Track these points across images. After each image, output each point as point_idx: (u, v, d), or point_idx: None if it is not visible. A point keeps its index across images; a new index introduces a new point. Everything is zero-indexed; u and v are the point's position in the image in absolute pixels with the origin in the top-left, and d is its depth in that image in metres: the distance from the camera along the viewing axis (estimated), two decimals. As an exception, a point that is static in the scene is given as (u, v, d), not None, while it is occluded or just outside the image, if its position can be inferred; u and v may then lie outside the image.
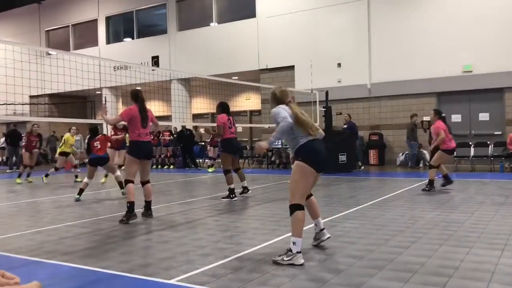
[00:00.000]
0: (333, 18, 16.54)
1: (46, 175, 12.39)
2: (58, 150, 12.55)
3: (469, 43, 14.30)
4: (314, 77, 15.12)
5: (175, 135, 18.07)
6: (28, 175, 12.90)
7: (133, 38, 21.96)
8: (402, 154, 15.40)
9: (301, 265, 3.97)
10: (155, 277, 3.81)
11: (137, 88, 6.98)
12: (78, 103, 23.89)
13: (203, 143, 18.52)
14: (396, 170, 14.18)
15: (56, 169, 12.59)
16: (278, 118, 4.20)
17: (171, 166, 17.92)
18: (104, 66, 17.11)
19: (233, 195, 8.25)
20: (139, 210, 6.62)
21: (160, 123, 19.28)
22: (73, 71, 9.68)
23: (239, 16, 18.89)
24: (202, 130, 8.04)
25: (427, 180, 8.71)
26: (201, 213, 7.13)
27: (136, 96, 6.47)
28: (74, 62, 9.37)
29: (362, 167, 14.80)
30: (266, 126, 17.13)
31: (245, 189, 8.67)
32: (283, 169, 15.87)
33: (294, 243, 4.05)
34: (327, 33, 16.63)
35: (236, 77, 17.94)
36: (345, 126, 14.73)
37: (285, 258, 4.02)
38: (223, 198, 8.31)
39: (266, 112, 17.99)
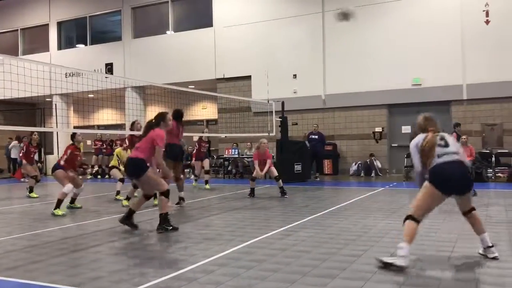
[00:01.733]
0: (290, 30, 16.80)
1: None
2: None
3: (418, 57, 14.90)
4: (270, 88, 15.28)
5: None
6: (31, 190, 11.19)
7: (86, 45, 21.41)
8: (355, 164, 15.78)
9: (399, 268, 3.98)
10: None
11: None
12: (26, 110, 22.95)
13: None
14: (349, 180, 14.49)
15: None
16: (412, 150, 4.51)
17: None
18: (55, 72, 16.58)
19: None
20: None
21: (113, 132, 18.81)
22: (21, 77, 9.29)
23: (196, 24, 18.83)
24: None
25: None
26: (155, 224, 6.98)
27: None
28: (23, 68, 9.00)
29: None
30: (223, 135, 17.12)
31: (181, 200, 8.75)
32: (239, 178, 15.86)
33: (401, 247, 4.08)
34: (283, 44, 16.86)
35: (193, 86, 17.82)
36: (316, 136, 15.00)
37: (391, 259, 4.12)
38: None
39: (222, 122, 17.98)
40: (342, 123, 16.24)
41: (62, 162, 8.31)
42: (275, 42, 17.01)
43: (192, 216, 7.59)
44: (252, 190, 9.97)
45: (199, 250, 5.02)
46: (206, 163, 12.66)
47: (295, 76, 16.69)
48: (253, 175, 10.08)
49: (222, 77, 18.05)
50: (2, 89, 8.68)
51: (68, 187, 8.01)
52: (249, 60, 17.37)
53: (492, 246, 4.37)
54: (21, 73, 9.09)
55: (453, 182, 4.21)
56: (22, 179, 12.31)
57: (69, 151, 8.42)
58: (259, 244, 5.25)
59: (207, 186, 12.25)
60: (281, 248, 4.89)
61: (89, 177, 18.05)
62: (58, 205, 7.86)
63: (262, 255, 4.68)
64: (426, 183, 4.27)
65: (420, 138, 4.49)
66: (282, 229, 6.08)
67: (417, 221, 4.22)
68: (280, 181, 9.80)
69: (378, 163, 15.41)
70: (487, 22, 14.30)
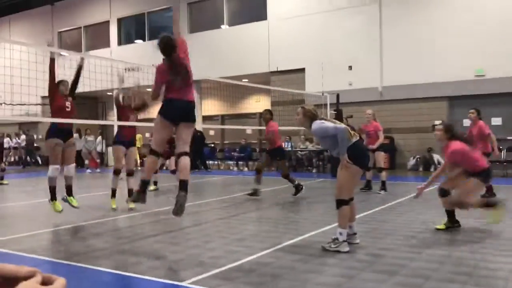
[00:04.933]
0: (344, 21, 16.49)
1: None
2: None
3: (481, 47, 14.17)
4: (325, 80, 15.09)
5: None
6: None
7: (144, 40, 22.08)
8: (413, 158, 15.30)
9: (346, 252, 4.45)
10: (166, 279, 3.82)
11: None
12: (89, 104, 24.05)
13: (213, 145, 18.55)
14: (407, 174, 14.09)
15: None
16: (330, 130, 4.60)
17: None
18: (115, 67, 17.22)
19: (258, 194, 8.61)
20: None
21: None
22: (85, 72, 9.73)
23: (250, 18, 18.90)
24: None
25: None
26: (211, 215, 7.13)
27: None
28: (86, 63, 9.43)
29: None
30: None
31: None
32: (293, 171, 15.82)
33: (340, 233, 4.57)
34: (338, 36, 16.58)
35: (247, 80, 17.94)
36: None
37: (332, 246, 4.55)
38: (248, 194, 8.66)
39: (275, 115, 17.93)
40: (400, 115, 15.77)
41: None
42: (330, 33, 16.76)
43: (248, 209, 7.68)
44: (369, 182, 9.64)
45: (255, 242, 5.07)
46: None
47: (350, 67, 16.38)
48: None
49: (276, 70, 18.03)
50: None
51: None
52: (303, 53, 17.23)
53: (356, 233, 4.88)
54: (85, 68, 9.53)
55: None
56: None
57: None
58: (315, 238, 5.23)
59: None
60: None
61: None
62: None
63: (318, 249, 4.67)
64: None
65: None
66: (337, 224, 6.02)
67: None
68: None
69: (437, 157, 14.85)
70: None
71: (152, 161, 5.24)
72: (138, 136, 17.22)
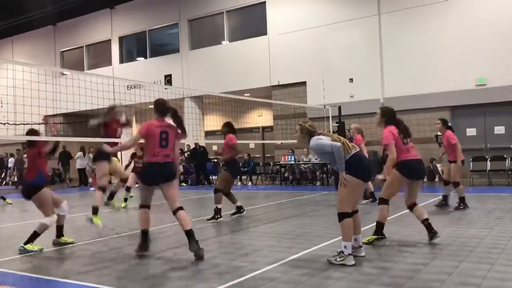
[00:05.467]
0: (344, 34, 16.59)
1: None
2: None
3: (482, 56, 14.20)
4: (326, 93, 15.11)
5: (188, 153, 18.16)
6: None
7: (146, 58, 22.24)
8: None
9: (352, 265, 4.43)
10: (171, 297, 3.77)
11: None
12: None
13: (216, 160, 18.53)
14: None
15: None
16: (327, 147, 4.63)
17: (183, 184, 17.97)
18: (118, 85, 17.33)
19: (219, 216, 7.94)
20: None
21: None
22: (88, 90, 9.79)
23: (250, 33, 19.04)
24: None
25: (458, 199, 8.24)
26: (215, 231, 7.09)
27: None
28: (89, 82, 9.49)
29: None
30: (279, 142, 17.11)
31: (240, 209, 8.34)
32: (296, 185, 15.78)
33: (345, 246, 4.54)
34: (338, 49, 16.66)
35: (248, 94, 18.00)
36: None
37: (338, 259, 4.53)
38: (208, 219, 7.93)
39: (278, 128, 17.99)
40: (402, 127, 15.72)
41: None
42: (330, 46, 16.84)
43: (251, 223, 7.62)
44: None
45: (260, 257, 5.02)
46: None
47: (351, 80, 16.43)
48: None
49: (277, 84, 18.10)
50: (71, 103, 9.18)
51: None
52: (304, 66, 17.30)
53: (361, 246, 4.89)
54: (87, 87, 9.59)
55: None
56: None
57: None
58: (320, 252, 5.18)
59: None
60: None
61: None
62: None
63: (324, 263, 4.62)
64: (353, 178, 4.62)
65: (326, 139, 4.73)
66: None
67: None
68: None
69: (441, 167, 14.77)
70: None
71: (145, 212, 5.55)
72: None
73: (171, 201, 5.31)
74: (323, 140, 4.69)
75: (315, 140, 4.72)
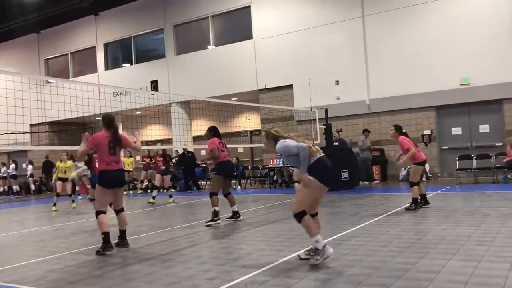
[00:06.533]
0: (329, 36, 16.70)
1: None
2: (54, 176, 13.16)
3: (465, 56, 14.40)
4: (313, 95, 15.20)
5: (176, 158, 18.07)
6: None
7: (131, 64, 22.14)
8: (404, 169, 15.35)
9: (332, 253, 4.58)
10: (161, 304, 3.75)
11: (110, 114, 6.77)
12: (78, 130, 23.95)
13: (204, 165, 18.49)
14: (399, 185, 14.12)
15: (58, 194, 13.03)
16: (292, 149, 4.70)
17: (172, 190, 17.89)
18: (103, 92, 17.21)
19: (217, 218, 7.99)
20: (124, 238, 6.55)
21: (161, 147, 19.30)
22: (73, 98, 9.73)
23: (236, 38, 19.07)
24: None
25: (411, 199, 8.32)
26: (205, 236, 7.07)
27: (108, 122, 6.31)
28: (74, 90, 9.42)
29: (366, 183, 15.00)
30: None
31: (235, 214, 8.36)
32: (285, 188, 15.80)
33: (316, 241, 4.59)
34: (324, 51, 16.77)
35: (235, 98, 18.02)
36: (337, 143, 14.58)
37: (318, 258, 4.56)
38: (206, 224, 7.92)
39: (266, 132, 17.96)
40: (389, 127, 15.82)
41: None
42: (315, 49, 16.94)
43: (240, 227, 7.62)
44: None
45: (250, 261, 5.03)
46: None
47: (337, 82, 16.54)
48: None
49: (264, 87, 18.14)
50: (56, 111, 9.12)
51: None
52: (290, 69, 17.38)
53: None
54: (72, 95, 9.53)
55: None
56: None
57: None
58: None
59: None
60: (332, 258, 4.81)
61: (139, 191, 18.53)
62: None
63: (313, 264, 4.63)
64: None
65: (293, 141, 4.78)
66: (332, 238, 5.99)
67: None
68: None
69: (428, 167, 14.92)
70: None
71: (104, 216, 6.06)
72: (130, 160, 17.46)
73: (119, 203, 6.32)
74: (288, 142, 4.79)
75: (281, 143, 4.83)
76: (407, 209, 8.22)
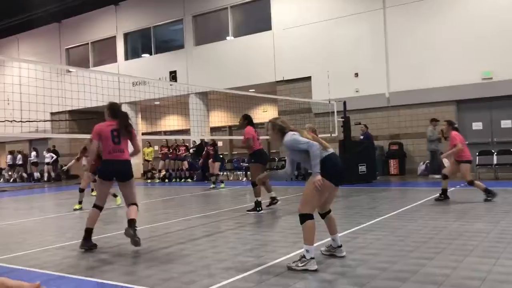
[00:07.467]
0: (348, 28, 16.53)
1: None
2: None
3: (487, 50, 14.11)
4: (331, 88, 15.09)
5: (194, 149, 18.20)
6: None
7: (151, 54, 22.28)
8: (423, 163, 15.18)
9: (315, 270, 4.13)
10: (176, 292, 3.80)
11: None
12: (97, 118, 24.24)
13: (221, 156, 18.55)
14: (417, 180, 13.97)
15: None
16: (301, 145, 4.36)
17: (188, 180, 18.06)
18: (123, 82, 17.38)
19: (260, 208, 8.21)
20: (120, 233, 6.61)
21: (179, 137, 19.46)
22: (93, 87, 9.84)
23: (255, 29, 19.02)
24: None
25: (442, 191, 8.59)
26: (221, 226, 7.13)
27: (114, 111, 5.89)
28: (94, 79, 9.54)
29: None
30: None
31: (273, 199, 8.55)
32: (302, 180, 15.77)
33: (307, 250, 4.22)
34: (343, 43, 16.61)
35: (253, 90, 17.99)
36: (362, 137, 14.57)
37: (299, 264, 4.21)
38: (248, 211, 8.24)
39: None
40: (408, 121, 15.71)
41: None
42: (334, 41, 16.80)
43: (256, 219, 7.65)
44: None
45: (265, 252, 5.05)
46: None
47: (356, 74, 16.38)
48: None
49: (282, 79, 18.08)
50: (76, 100, 9.24)
51: None
52: (309, 61, 17.27)
53: (341, 246, 4.67)
54: (92, 84, 9.64)
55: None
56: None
57: None
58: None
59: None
60: (348, 251, 4.80)
61: (157, 181, 18.73)
62: None
63: (329, 258, 4.63)
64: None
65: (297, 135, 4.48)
66: (348, 231, 5.98)
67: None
68: None
69: (447, 162, 14.70)
70: None
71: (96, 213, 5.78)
72: (150, 149, 17.99)
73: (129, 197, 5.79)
74: (297, 135, 4.44)
75: (290, 136, 4.45)
76: (437, 199, 8.54)
